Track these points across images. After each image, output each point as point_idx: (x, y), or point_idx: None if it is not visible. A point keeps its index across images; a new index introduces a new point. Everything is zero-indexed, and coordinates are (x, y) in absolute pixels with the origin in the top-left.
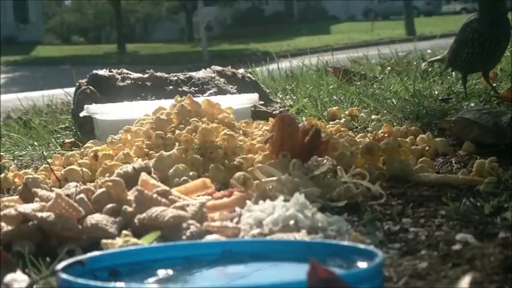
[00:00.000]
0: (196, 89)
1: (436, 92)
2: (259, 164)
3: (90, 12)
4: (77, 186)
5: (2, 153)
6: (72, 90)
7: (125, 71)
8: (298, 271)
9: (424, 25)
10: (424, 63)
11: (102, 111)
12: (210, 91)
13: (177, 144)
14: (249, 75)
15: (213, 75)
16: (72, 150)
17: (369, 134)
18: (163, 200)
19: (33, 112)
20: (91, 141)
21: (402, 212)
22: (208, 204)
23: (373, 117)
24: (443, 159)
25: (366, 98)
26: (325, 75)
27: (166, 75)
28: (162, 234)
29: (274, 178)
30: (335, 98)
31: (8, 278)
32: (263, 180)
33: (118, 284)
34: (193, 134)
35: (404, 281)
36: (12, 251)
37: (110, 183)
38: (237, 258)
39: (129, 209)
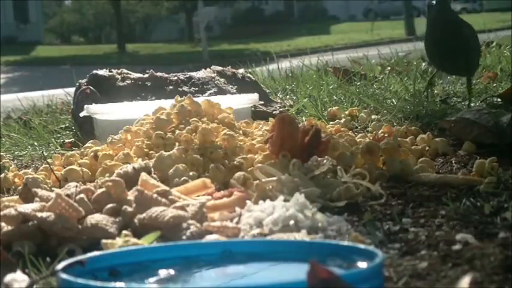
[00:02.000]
0: (196, 89)
1: (436, 92)
2: (259, 164)
3: (90, 12)
4: (77, 186)
5: (2, 153)
6: (72, 90)
7: (124, 71)
8: (298, 271)
9: (424, 25)
10: (424, 63)
11: (102, 111)
12: (210, 91)
13: (177, 144)
14: (249, 75)
15: (213, 75)
16: (72, 150)
17: (368, 134)
18: (163, 200)
19: (33, 112)
20: (91, 141)
21: (402, 212)
22: (208, 204)
23: (373, 117)
24: (443, 159)
25: (366, 98)
26: (325, 75)
27: (166, 75)
28: (162, 234)
29: (274, 178)
30: (335, 98)
31: (8, 278)
32: (263, 180)
33: (118, 284)
34: (193, 134)
35: (404, 281)
36: (12, 251)
37: (110, 183)
38: (237, 258)
39: (129, 209)
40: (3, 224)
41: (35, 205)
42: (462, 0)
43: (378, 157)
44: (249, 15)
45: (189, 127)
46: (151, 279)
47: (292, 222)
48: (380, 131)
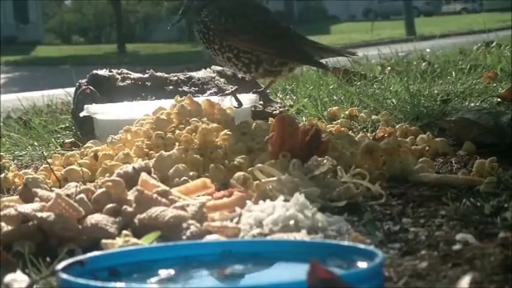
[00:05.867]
0: (196, 89)
1: (436, 92)
2: (259, 164)
3: (90, 12)
4: (77, 186)
5: (2, 153)
6: (72, 90)
7: (125, 71)
8: (298, 271)
9: (424, 25)
10: (424, 63)
11: (102, 111)
12: (210, 91)
13: (177, 144)
14: None
15: (213, 75)
16: (72, 150)
17: (368, 134)
18: (163, 200)
19: (33, 112)
20: (91, 141)
21: (402, 212)
22: (208, 204)
23: (373, 117)
24: (443, 159)
25: (366, 98)
26: (325, 75)
27: (166, 75)
28: (162, 234)
29: (274, 178)
30: (335, 98)
31: (8, 278)
32: (263, 180)
33: (118, 284)
34: (193, 134)
35: (404, 281)
36: (12, 251)
37: (110, 183)
38: (237, 258)
39: (129, 209)
40: (3, 224)
41: (35, 205)
42: (462, 0)
43: (378, 157)
44: None
45: (189, 127)
46: (151, 279)
47: (292, 222)
48: (378, 131)
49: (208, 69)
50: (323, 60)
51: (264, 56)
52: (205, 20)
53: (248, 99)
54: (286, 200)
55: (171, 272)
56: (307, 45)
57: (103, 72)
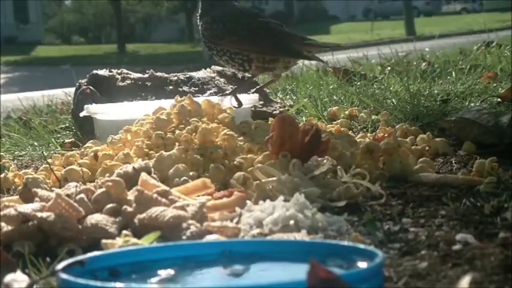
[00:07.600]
0: (196, 89)
1: (436, 92)
2: (259, 164)
3: (90, 12)
4: (77, 186)
5: (2, 153)
6: (72, 90)
7: (125, 71)
8: (298, 271)
9: (424, 25)
10: (424, 63)
11: (102, 111)
12: (210, 91)
13: (177, 144)
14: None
15: (213, 75)
16: (72, 150)
17: (368, 134)
18: (163, 200)
19: (33, 112)
20: (91, 141)
21: (402, 212)
22: (208, 204)
23: (373, 117)
24: (443, 159)
25: (366, 98)
26: (325, 75)
27: (166, 75)
28: (162, 234)
29: (274, 178)
30: (335, 98)
31: (8, 278)
32: (263, 180)
33: (118, 284)
34: (193, 134)
35: (404, 281)
36: (12, 251)
37: (110, 183)
38: (237, 258)
39: (129, 209)
40: (3, 224)
41: (35, 205)
42: (462, 0)
43: (378, 157)
44: None
45: (189, 127)
46: (152, 279)
47: (292, 222)
48: (378, 131)
49: (208, 69)
50: (321, 56)
51: (253, 54)
52: (202, 31)
53: (248, 99)
54: (286, 200)
55: (171, 272)
56: (296, 42)
57: (103, 72)
